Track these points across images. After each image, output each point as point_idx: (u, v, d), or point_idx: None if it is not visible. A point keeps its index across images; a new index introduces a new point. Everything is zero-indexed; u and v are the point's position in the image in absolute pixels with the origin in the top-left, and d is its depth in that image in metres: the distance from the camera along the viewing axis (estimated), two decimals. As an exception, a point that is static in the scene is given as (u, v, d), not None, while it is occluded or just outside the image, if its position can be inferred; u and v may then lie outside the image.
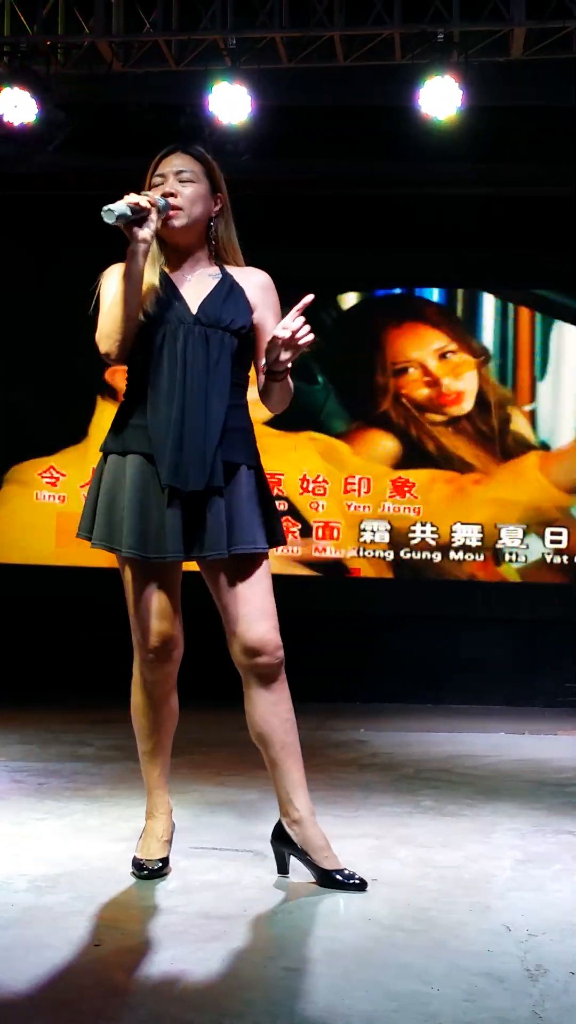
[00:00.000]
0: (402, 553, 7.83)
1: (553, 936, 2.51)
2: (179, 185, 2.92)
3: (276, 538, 2.95)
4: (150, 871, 2.91)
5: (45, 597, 7.95)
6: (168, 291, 2.91)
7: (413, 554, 7.84)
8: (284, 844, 2.95)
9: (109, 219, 2.76)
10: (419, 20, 6.05)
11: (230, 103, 6.31)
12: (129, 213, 2.76)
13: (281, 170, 7.23)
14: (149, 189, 2.92)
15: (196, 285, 2.95)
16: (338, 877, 2.84)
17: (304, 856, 2.89)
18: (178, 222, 2.91)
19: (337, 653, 7.31)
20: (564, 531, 7.85)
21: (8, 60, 6.34)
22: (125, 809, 3.77)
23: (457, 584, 7.89)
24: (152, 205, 2.80)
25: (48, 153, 7.15)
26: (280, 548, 3.13)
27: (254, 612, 2.87)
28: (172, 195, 2.89)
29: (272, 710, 2.92)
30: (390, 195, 7.49)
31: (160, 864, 2.94)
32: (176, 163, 2.96)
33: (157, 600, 2.90)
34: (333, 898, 2.78)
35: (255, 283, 3.00)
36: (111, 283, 2.91)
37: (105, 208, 2.75)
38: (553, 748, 5.76)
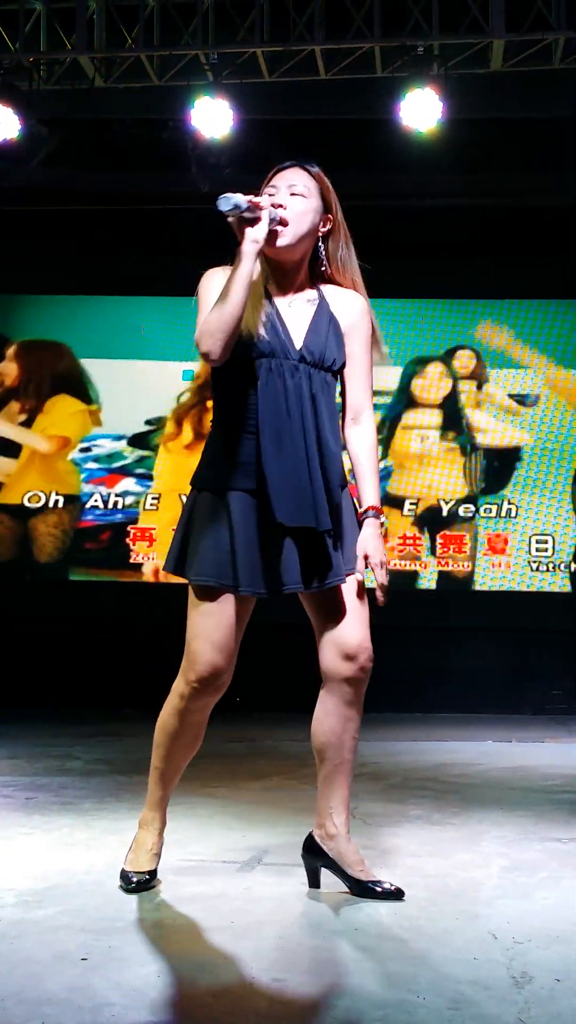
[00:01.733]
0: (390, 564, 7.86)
1: (539, 943, 2.51)
2: (289, 198, 2.88)
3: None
4: (138, 883, 2.91)
5: (32, 612, 7.94)
6: (271, 318, 2.88)
7: (400, 564, 7.86)
8: (316, 856, 2.95)
9: (224, 206, 2.70)
10: (399, 34, 6.11)
11: (212, 117, 6.35)
12: (244, 206, 2.72)
13: (263, 184, 7.25)
14: None
15: (297, 312, 2.92)
16: (375, 888, 2.86)
17: (338, 869, 2.91)
18: (284, 239, 2.86)
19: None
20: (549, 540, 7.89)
21: (-9, 77, 6.36)
22: (113, 823, 3.77)
23: (445, 594, 7.91)
24: (263, 208, 2.77)
25: (31, 168, 7.17)
26: None
27: (354, 619, 2.88)
28: (281, 207, 2.85)
29: (345, 726, 2.91)
30: (372, 207, 7.49)
31: (148, 876, 2.94)
32: (290, 177, 2.92)
33: (224, 633, 2.84)
34: (320, 909, 2.79)
35: (350, 310, 2.97)
36: (213, 283, 2.84)
37: (223, 195, 2.70)
38: (541, 756, 5.78)
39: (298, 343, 2.87)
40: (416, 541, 7.95)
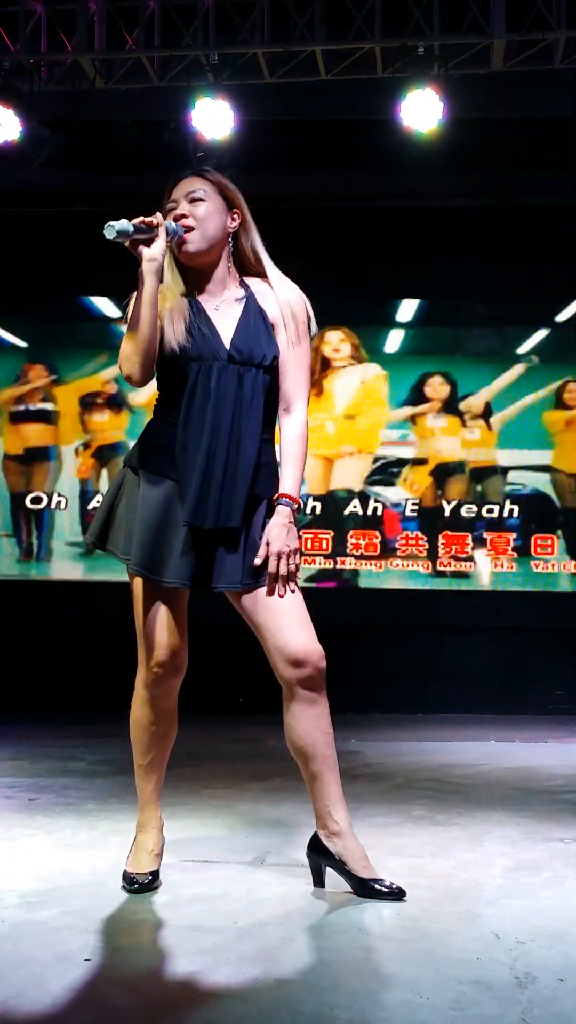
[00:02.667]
0: (392, 563, 7.86)
1: (542, 943, 2.51)
2: (190, 206, 2.93)
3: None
4: (140, 884, 2.91)
5: (34, 613, 7.94)
6: (199, 322, 2.91)
7: (403, 562, 7.87)
8: (321, 856, 2.95)
9: (109, 235, 2.76)
10: (400, 34, 6.10)
11: (213, 118, 6.35)
12: (131, 230, 2.76)
13: (264, 184, 7.25)
14: (164, 216, 2.92)
15: (224, 312, 2.95)
16: (376, 886, 2.86)
17: (342, 867, 2.90)
18: (193, 246, 2.92)
19: (328, 664, 7.30)
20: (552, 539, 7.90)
21: (-9, 78, 6.36)
22: (115, 824, 3.78)
23: (447, 593, 7.91)
24: (159, 225, 2.81)
25: (32, 170, 7.17)
26: None
27: (292, 624, 2.87)
28: (184, 217, 2.91)
29: (315, 724, 2.92)
30: (373, 208, 7.52)
31: (150, 877, 2.94)
32: (186, 186, 2.97)
33: (166, 616, 2.92)
34: (323, 909, 2.79)
35: (278, 297, 2.99)
36: (132, 307, 2.90)
37: (107, 224, 2.75)
38: (543, 756, 5.77)
39: (227, 343, 2.90)
40: (418, 540, 7.94)
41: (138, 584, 2.93)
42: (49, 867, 3.20)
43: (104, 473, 8.16)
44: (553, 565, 7.87)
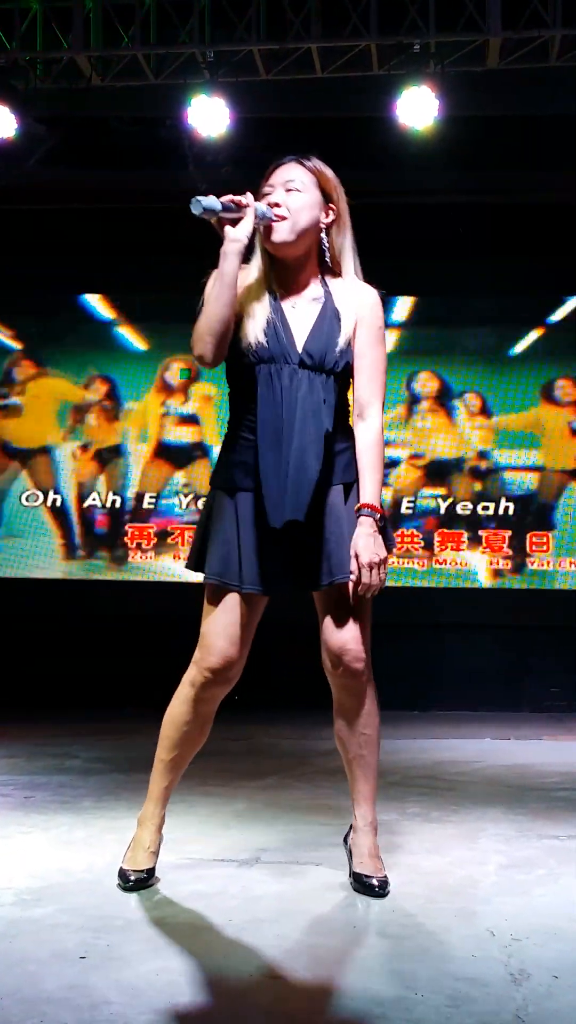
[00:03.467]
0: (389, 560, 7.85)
1: (537, 940, 2.52)
2: (285, 196, 2.89)
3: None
4: (135, 882, 2.92)
5: (30, 612, 7.94)
6: (275, 320, 2.87)
7: (398, 560, 7.87)
8: (346, 846, 3.07)
9: (196, 210, 2.71)
10: (395, 31, 6.10)
11: (209, 116, 6.34)
12: (218, 207, 2.72)
13: (260, 182, 7.26)
14: (260, 200, 2.89)
15: (301, 313, 2.91)
16: (362, 880, 2.90)
17: (349, 859, 3.00)
18: (279, 236, 2.87)
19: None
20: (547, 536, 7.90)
21: (-13, 76, 6.36)
22: (111, 821, 3.78)
23: (442, 591, 7.91)
24: (247, 206, 2.77)
25: (29, 167, 7.17)
26: None
27: (341, 621, 2.89)
28: (276, 205, 2.86)
29: (350, 721, 2.97)
30: (368, 205, 7.45)
31: (145, 875, 2.94)
32: (285, 173, 2.92)
33: (230, 625, 2.87)
34: (319, 906, 2.80)
35: (356, 300, 2.95)
36: (209, 285, 2.86)
37: (193, 199, 2.71)
38: (538, 753, 5.78)
39: (299, 346, 2.87)
40: (414, 538, 7.94)
41: (209, 588, 2.91)
42: (45, 865, 3.21)
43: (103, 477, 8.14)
44: (549, 563, 7.87)
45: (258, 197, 2.89)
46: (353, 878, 2.94)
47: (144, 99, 6.75)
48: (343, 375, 2.93)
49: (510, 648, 7.82)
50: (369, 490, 2.89)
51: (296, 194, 2.88)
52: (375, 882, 2.89)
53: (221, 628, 2.87)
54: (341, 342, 2.89)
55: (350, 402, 2.98)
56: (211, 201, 2.72)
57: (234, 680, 2.92)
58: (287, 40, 6.15)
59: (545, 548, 7.89)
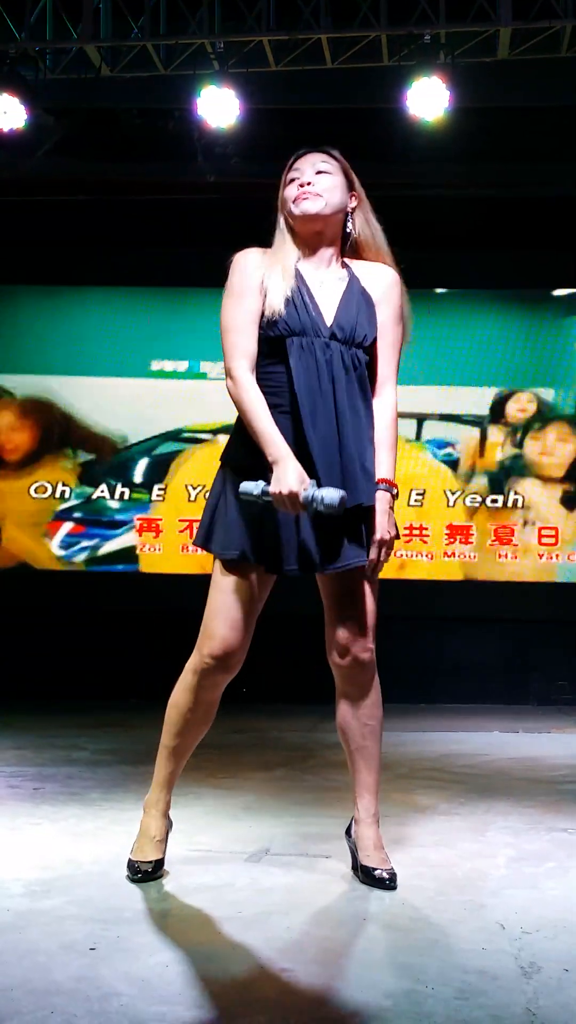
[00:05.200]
0: (395, 553, 7.85)
1: (547, 933, 2.52)
2: (316, 177, 2.94)
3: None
4: (143, 873, 2.92)
5: (39, 603, 7.95)
6: (302, 296, 2.89)
7: (406, 553, 7.86)
8: (349, 839, 3.06)
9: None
10: (405, 22, 6.08)
11: (218, 106, 6.33)
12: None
13: (270, 173, 7.23)
14: (285, 187, 2.95)
15: (328, 290, 2.94)
16: (371, 873, 2.90)
17: (353, 852, 3.00)
18: (315, 207, 2.91)
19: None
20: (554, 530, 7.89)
21: (-3, 66, 6.35)
22: (120, 813, 3.78)
23: (449, 584, 7.91)
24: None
25: (38, 158, 7.16)
26: None
27: (349, 613, 2.90)
28: (308, 184, 2.91)
29: (353, 712, 2.98)
30: (378, 197, 7.46)
31: (154, 866, 2.94)
32: (311, 159, 2.98)
33: (233, 611, 2.86)
34: (327, 899, 2.79)
35: (380, 283, 2.99)
36: (248, 270, 2.89)
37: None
38: (546, 746, 5.78)
39: (329, 320, 2.89)
40: (422, 531, 7.93)
41: (217, 570, 2.89)
42: (54, 856, 3.21)
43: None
44: (557, 556, 7.86)
45: (283, 185, 2.97)
46: (361, 871, 2.94)
47: (153, 90, 6.75)
48: (371, 352, 2.94)
49: (518, 641, 7.82)
50: (386, 465, 2.90)
51: (326, 176, 2.95)
52: (384, 875, 2.89)
53: (226, 613, 2.86)
54: (368, 318, 2.93)
55: None
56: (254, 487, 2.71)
57: (235, 667, 2.90)
58: (297, 31, 6.14)
59: (554, 542, 7.87)
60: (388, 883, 2.87)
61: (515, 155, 7.23)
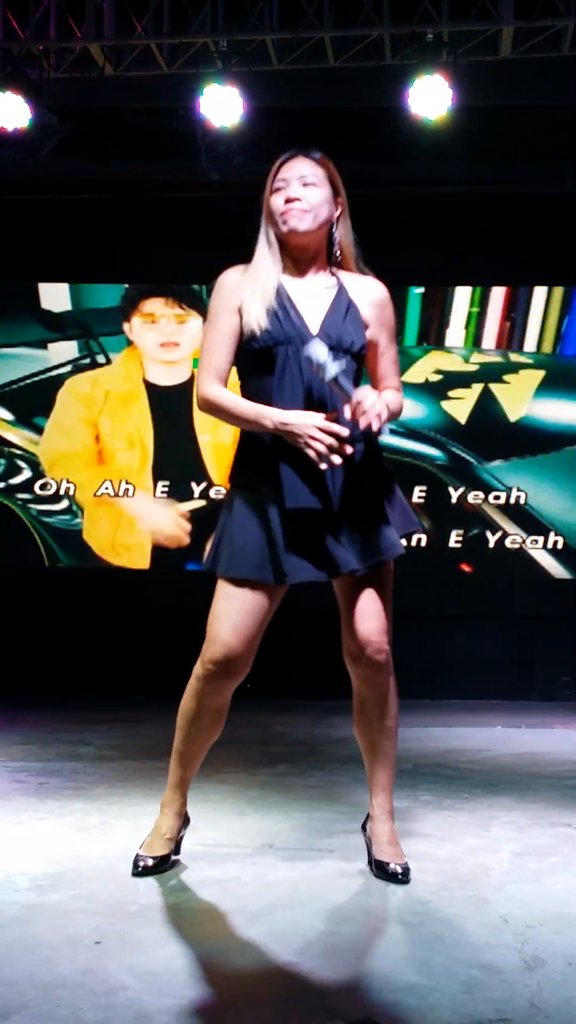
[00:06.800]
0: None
1: (550, 928, 2.53)
2: (303, 190, 2.90)
3: (395, 547, 2.93)
4: (143, 868, 2.94)
5: (42, 601, 7.96)
6: (286, 304, 2.88)
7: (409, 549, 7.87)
8: (364, 833, 3.10)
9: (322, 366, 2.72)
10: (408, 21, 6.09)
11: (222, 105, 6.34)
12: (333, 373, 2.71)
13: (267, 178, 7.25)
14: (271, 194, 2.92)
15: (313, 299, 2.92)
16: (385, 868, 2.93)
17: (368, 847, 3.04)
18: (303, 224, 2.88)
19: (335, 650, 7.32)
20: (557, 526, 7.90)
21: (1, 65, 6.36)
22: (125, 808, 3.80)
23: (453, 580, 7.92)
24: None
25: (41, 157, 7.18)
26: None
27: (363, 612, 2.91)
28: (296, 200, 2.88)
29: (368, 710, 3.00)
30: (381, 195, 7.50)
31: (158, 860, 2.96)
32: (298, 167, 2.93)
33: (236, 617, 2.85)
34: (333, 893, 2.81)
35: (370, 298, 2.98)
36: (225, 291, 2.90)
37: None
38: (550, 742, 5.79)
39: (315, 328, 2.87)
40: (425, 530, 7.95)
41: (230, 586, 2.87)
42: (59, 851, 3.23)
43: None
44: (560, 552, 7.87)
45: (268, 192, 2.93)
46: (375, 866, 2.96)
47: (157, 89, 6.76)
48: (359, 357, 2.94)
49: (521, 637, 7.83)
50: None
51: (313, 188, 2.91)
52: (398, 869, 2.91)
53: (228, 618, 2.85)
54: (358, 325, 2.92)
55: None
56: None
57: (239, 674, 2.89)
58: (300, 29, 6.15)
59: (557, 537, 7.88)
60: (401, 877, 2.89)
61: (517, 154, 7.23)
